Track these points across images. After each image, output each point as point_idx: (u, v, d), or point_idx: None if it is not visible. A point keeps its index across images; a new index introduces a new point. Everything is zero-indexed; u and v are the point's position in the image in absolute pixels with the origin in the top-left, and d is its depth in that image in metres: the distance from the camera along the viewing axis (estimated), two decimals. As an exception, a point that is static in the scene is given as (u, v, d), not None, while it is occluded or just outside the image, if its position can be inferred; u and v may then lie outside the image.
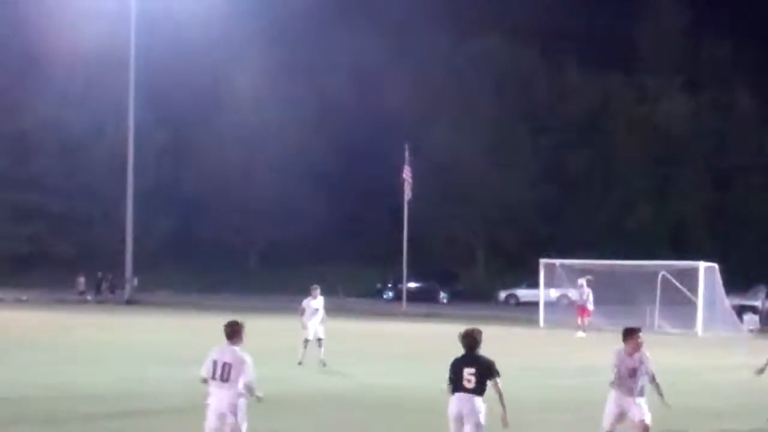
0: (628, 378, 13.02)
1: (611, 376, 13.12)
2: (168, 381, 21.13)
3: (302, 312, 26.11)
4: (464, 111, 73.13)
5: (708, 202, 72.45)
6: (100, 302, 58.54)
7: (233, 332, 11.78)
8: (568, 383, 23.45)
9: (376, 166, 66.57)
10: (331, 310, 27.18)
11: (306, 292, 26.70)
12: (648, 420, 12.92)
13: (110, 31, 65.53)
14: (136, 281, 61.61)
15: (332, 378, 22.97)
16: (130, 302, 57.48)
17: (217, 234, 75.02)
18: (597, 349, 34.29)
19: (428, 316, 49.94)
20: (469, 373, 11.34)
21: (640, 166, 73.69)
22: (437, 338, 36.85)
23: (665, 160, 73.45)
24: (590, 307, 41.93)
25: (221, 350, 11.62)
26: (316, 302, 26.09)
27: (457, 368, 11.43)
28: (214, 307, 48.32)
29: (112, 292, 61.82)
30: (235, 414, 11.41)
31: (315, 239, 72.78)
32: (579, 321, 41.49)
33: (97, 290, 62.21)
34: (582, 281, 42.43)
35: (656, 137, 73.65)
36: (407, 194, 55.39)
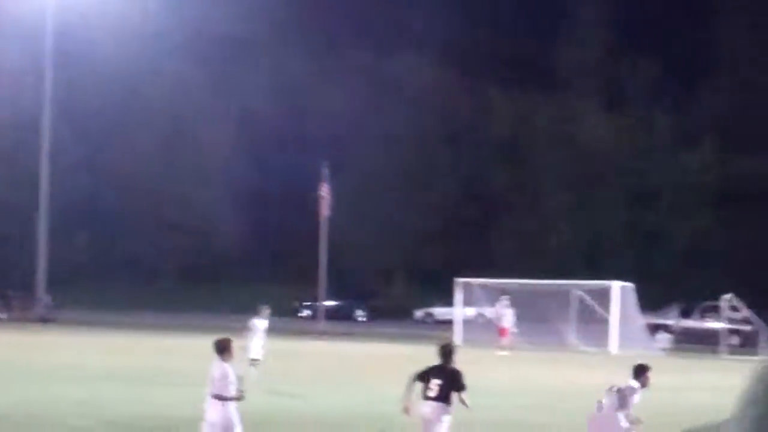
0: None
1: (628, 414, 12.85)
2: (66, 401, 20.84)
3: (249, 331, 26.02)
4: (385, 129, 73.22)
5: (626, 221, 73.19)
6: (12, 320, 57.46)
7: (223, 348, 12.57)
8: (483, 403, 23.45)
9: (295, 183, 66.38)
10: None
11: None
12: None
13: (27, 46, 64.65)
14: (50, 299, 60.55)
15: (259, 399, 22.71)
16: (45, 320, 56.46)
17: (135, 250, 74.21)
18: (513, 368, 34.55)
19: (345, 335, 49.84)
20: (435, 384, 12.13)
21: (560, 185, 74.24)
22: (354, 358, 36.86)
23: (585, 179, 74.12)
24: (506, 325, 42.26)
25: (213, 366, 12.49)
26: (261, 323, 26.31)
27: (426, 376, 12.33)
28: (130, 324, 47.73)
29: (23, 310, 60.66)
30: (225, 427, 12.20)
31: (233, 256, 72.36)
32: (501, 340, 41.86)
33: (8, 308, 61.02)
34: (503, 301, 42.84)
35: (576, 157, 74.27)
36: (324, 212, 55.37)
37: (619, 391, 13.11)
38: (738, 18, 77.28)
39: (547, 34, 75.60)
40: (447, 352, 12.25)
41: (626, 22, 74.19)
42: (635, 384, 13.31)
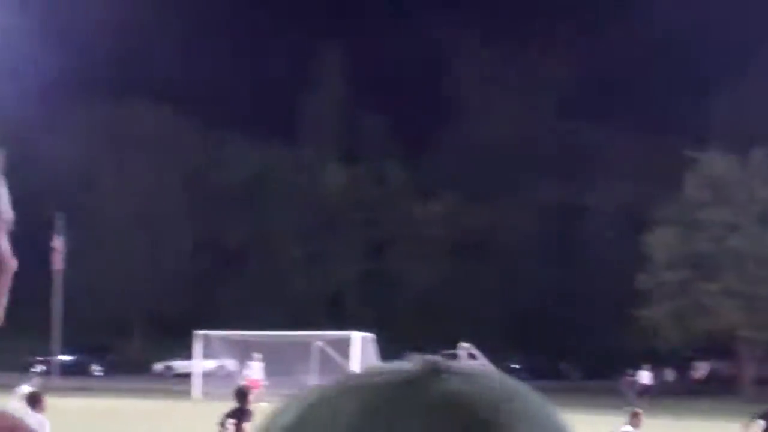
0: None
1: None
2: None
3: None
4: (120, 179, 71.48)
5: (362, 270, 74.06)
6: None
7: None
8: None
9: (27, 236, 63.55)
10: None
11: None
12: None
13: None
14: None
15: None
16: None
17: None
18: (253, 420, 34.04)
19: (80, 390, 48.07)
20: (230, 423, 13.89)
21: (297, 235, 74.46)
22: (90, 413, 35.52)
23: (322, 229, 74.70)
24: (256, 377, 42.01)
25: None
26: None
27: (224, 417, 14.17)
28: None
29: None
30: None
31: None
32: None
33: None
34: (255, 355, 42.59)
35: (313, 207, 74.81)
36: (58, 264, 53.62)
37: None
38: (469, 72, 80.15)
39: (286, 85, 76.05)
40: (242, 394, 13.64)
41: (362, 76, 75.60)
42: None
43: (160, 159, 72.51)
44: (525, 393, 0.87)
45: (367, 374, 0.84)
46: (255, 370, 42.23)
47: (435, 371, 0.84)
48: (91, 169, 70.63)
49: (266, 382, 42.59)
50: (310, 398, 0.83)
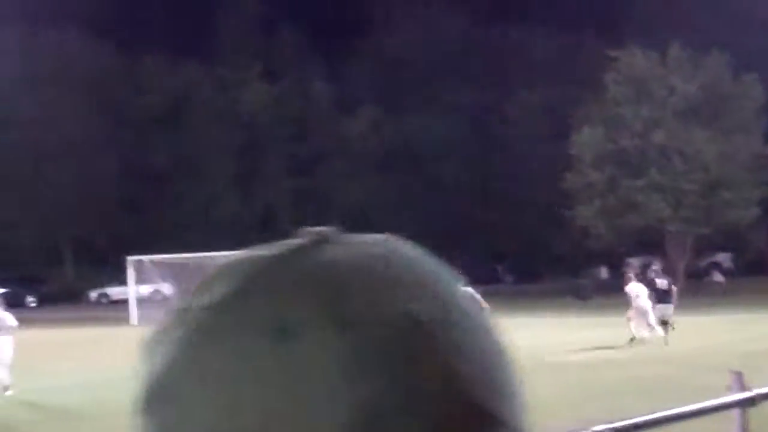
0: None
1: None
2: None
3: None
4: (39, 108, 70.23)
5: (293, 188, 73.96)
6: None
7: None
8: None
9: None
10: None
11: None
12: None
13: None
14: None
15: None
16: None
17: None
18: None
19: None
20: None
21: (224, 156, 74.03)
22: (27, 345, 35.35)
23: (249, 148, 74.33)
24: None
25: None
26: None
27: None
28: None
29: None
30: None
31: None
32: None
33: None
34: None
35: (238, 126, 74.38)
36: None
37: None
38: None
39: (201, 3, 75.11)
40: None
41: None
42: None
43: (77, 85, 71.40)
44: (417, 258, 0.78)
45: (258, 249, 0.78)
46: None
47: (320, 242, 0.77)
48: (7, 99, 69.28)
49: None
50: (213, 273, 0.79)
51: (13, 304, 57.66)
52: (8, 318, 22.13)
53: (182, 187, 73.34)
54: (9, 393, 21.16)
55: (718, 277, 53.18)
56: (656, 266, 31.61)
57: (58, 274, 70.03)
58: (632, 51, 54.54)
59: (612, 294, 50.86)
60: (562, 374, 20.81)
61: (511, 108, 71.18)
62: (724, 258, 63.86)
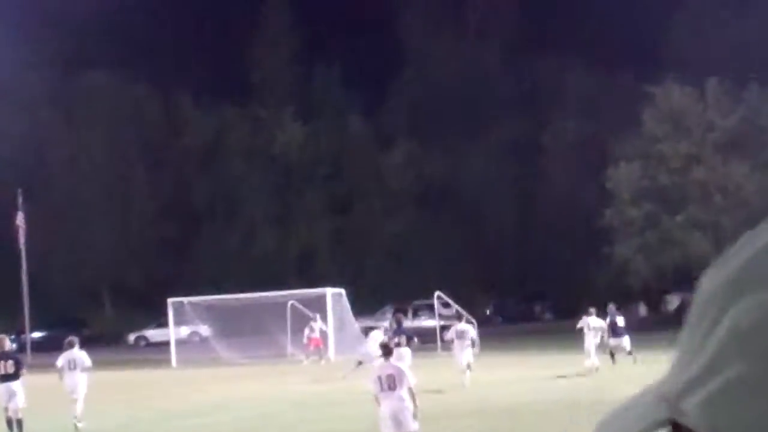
0: None
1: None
2: None
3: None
4: (77, 150, 70.80)
5: (330, 227, 73.92)
6: None
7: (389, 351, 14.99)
8: (208, 420, 22.87)
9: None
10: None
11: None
12: None
13: None
14: None
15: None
16: None
17: None
18: (236, 383, 34.03)
19: (55, 366, 47.81)
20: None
21: (261, 195, 74.14)
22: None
23: (285, 187, 74.46)
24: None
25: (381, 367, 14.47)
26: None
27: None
28: None
29: None
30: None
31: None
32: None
33: None
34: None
35: (274, 166, 74.56)
36: (21, 240, 53.26)
37: None
38: (420, 18, 79.99)
39: (234, 44, 75.51)
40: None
41: (312, 29, 75.26)
42: None
43: (114, 127, 71.98)
44: None
45: None
46: (315, 331, 42.98)
47: None
48: (47, 141, 69.91)
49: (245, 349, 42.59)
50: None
51: (50, 348, 58.05)
52: (85, 358, 24.03)
53: (219, 227, 73.55)
54: (81, 425, 22.94)
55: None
56: (612, 305, 34.97)
57: (98, 317, 70.19)
58: (669, 86, 54.28)
59: (650, 331, 50.50)
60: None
61: (548, 142, 70.91)
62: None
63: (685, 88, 54.03)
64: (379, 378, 14.22)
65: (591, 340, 32.03)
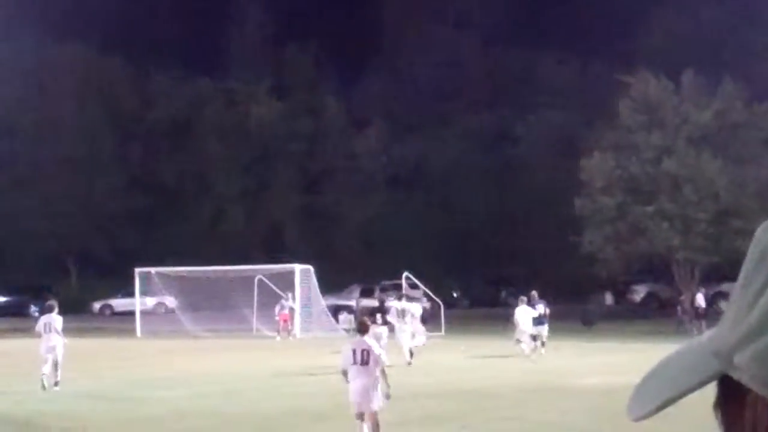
0: None
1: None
2: None
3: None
4: (47, 121, 70.21)
5: (300, 204, 73.83)
6: None
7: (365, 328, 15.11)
8: (171, 394, 22.80)
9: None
10: None
11: None
12: None
13: None
14: None
15: None
16: None
17: None
18: (199, 357, 33.98)
19: (18, 331, 47.63)
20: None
21: (232, 171, 73.94)
22: (30, 352, 35.24)
23: (257, 164, 74.28)
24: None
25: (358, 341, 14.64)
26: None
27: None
28: None
29: None
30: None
31: None
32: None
33: None
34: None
35: (247, 142, 74.32)
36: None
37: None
38: (399, 2, 79.93)
39: (212, 20, 75.19)
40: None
41: (290, 5, 75.00)
42: None
43: (87, 99, 71.53)
44: None
45: None
46: (285, 308, 43.01)
47: None
48: (17, 110, 69.30)
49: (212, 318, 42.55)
50: None
51: (17, 313, 57.90)
52: (59, 322, 25.10)
53: (189, 201, 73.28)
54: (56, 389, 23.53)
55: (724, 306, 52.80)
56: (534, 293, 34.45)
57: (63, 285, 69.80)
58: (645, 77, 54.37)
59: (617, 320, 50.87)
60: (575, 399, 20.65)
61: (521, 131, 71.02)
62: (729, 287, 63.42)
63: (661, 79, 54.13)
64: (354, 351, 14.41)
65: (526, 327, 32.17)
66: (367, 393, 14.26)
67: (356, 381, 14.34)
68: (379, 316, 30.07)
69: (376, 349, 14.73)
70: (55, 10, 70.28)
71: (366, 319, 16.59)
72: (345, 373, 14.58)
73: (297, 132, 75.01)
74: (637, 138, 53.92)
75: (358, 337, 15.08)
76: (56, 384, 23.72)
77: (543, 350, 31.63)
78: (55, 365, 24.06)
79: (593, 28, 67.27)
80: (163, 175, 73.26)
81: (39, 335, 24.77)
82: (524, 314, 32.54)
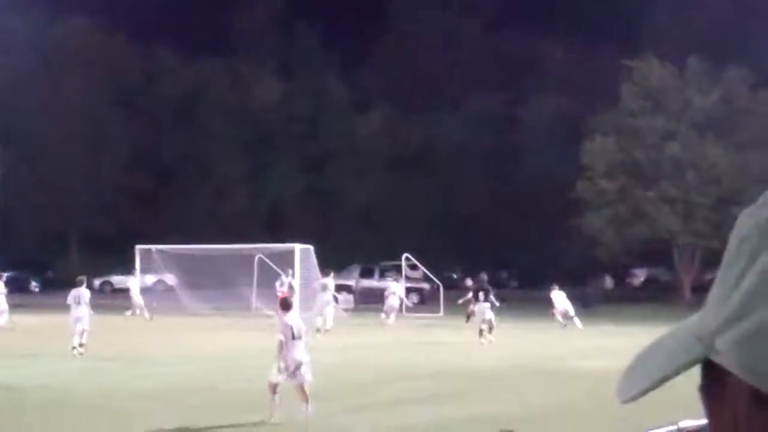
0: None
1: None
2: None
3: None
4: (52, 97, 70.11)
5: (302, 185, 73.80)
6: None
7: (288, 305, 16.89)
8: (171, 370, 22.85)
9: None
10: None
11: None
12: None
13: None
14: None
15: None
16: None
17: None
18: (199, 334, 34.02)
19: (19, 306, 47.68)
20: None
21: (235, 151, 73.85)
22: (30, 327, 35.31)
23: (260, 144, 74.21)
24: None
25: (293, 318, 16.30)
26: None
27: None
28: None
29: None
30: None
31: None
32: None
33: None
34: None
35: (250, 122, 74.23)
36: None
37: None
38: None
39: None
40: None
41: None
42: None
43: (91, 75, 71.33)
44: None
45: None
46: (284, 285, 42.79)
47: None
48: (25, 85, 69.18)
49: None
50: None
51: (17, 288, 57.86)
52: (87, 295, 28.72)
53: (191, 180, 73.24)
54: (81, 350, 26.16)
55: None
56: (484, 274, 36.31)
57: (63, 261, 69.80)
58: (650, 62, 54.27)
59: (615, 303, 50.89)
60: (573, 381, 20.66)
61: (524, 114, 70.95)
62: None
63: (665, 64, 54.04)
64: (291, 327, 15.88)
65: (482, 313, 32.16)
66: (302, 365, 15.61)
67: (294, 354, 15.65)
68: (482, 294, 32.13)
69: (302, 325, 16.37)
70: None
71: (290, 297, 17.99)
72: (283, 346, 15.75)
73: (300, 113, 75.01)
74: (639, 122, 53.86)
75: (287, 313, 16.54)
76: (81, 346, 26.25)
77: (492, 337, 30.83)
78: (82, 333, 26.67)
79: (597, 12, 67.06)
80: (166, 153, 73.22)
81: (69, 306, 27.69)
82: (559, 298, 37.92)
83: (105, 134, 71.29)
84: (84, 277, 29.57)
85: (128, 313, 42.81)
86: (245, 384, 20.12)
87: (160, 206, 71.31)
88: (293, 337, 15.76)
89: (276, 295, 43.44)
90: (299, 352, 15.77)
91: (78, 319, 27.07)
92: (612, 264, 60.83)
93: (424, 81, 75.13)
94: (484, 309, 31.56)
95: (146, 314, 41.65)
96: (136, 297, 43.66)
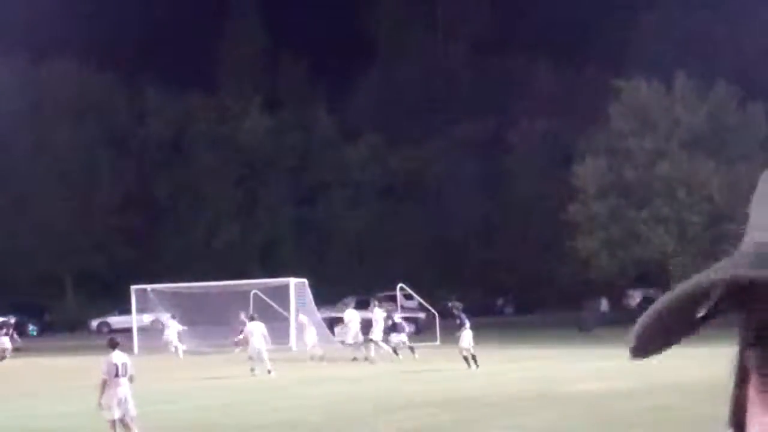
0: None
1: None
2: None
3: None
4: (41, 139, 70.11)
5: (294, 218, 73.76)
6: None
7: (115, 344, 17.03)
8: (168, 408, 22.77)
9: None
10: None
11: None
12: None
13: None
14: None
15: None
16: None
17: None
18: (196, 371, 33.91)
19: (17, 351, 47.52)
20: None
21: (225, 185, 73.86)
22: (27, 373, 35.13)
23: (249, 178, 74.26)
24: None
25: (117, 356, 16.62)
26: None
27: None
28: None
29: None
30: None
31: None
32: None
33: None
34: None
35: (240, 156, 74.28)
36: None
37: None
38: (389, 13, 80.00)
39: (204, 34, 75.15)
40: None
41: (280, 20, 75.04)
42: None
43: (79, 115, 71.48)
44: None
45: None
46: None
47: None
48: (13, 128, 69.16)
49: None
50: None
51: (17, 332, 57.54)
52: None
53: (183, 216, 73.18)
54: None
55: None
56: (404, 295, 38.65)
57: (60, 304, 69.70)
58: (637, 82, 54.45)
59: (613, 326, 50.75)
60: (572, 405, 20.60)
61: (513, 138, 71.03)
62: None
63: (653, 83, 54.21)
64: (116, 365, 16.62)
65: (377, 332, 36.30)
66: (128, 400, 16.52)
67: (118, 391, 16.45)
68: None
69: (128, 362, 17.05)
70: (48, 27, 70.25)
71: (115, 337, 18.35)
72: (106, 384, 16.57)
73: (289, 145, 75.02)
74: (629, 143, 53.95)
75: (113, 352, 17.02)
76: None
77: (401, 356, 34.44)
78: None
79: (585, 32, 67.33)
80: (157, 191, 73.24)
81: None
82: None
83: (96, 174, 71.30)
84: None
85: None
86: (246, 419, 20.05)
87: (153, 244, 71.23)
88: (117, 375, 16.47)
89: (238, 329, 43.15)
90: (123, 389, 16.54)
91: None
92: (607, 286, 60.74)
93: (412, 108, 75.21)
94: (460, 336, 31.74)
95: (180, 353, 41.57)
96: (173, 337, 43.20)
